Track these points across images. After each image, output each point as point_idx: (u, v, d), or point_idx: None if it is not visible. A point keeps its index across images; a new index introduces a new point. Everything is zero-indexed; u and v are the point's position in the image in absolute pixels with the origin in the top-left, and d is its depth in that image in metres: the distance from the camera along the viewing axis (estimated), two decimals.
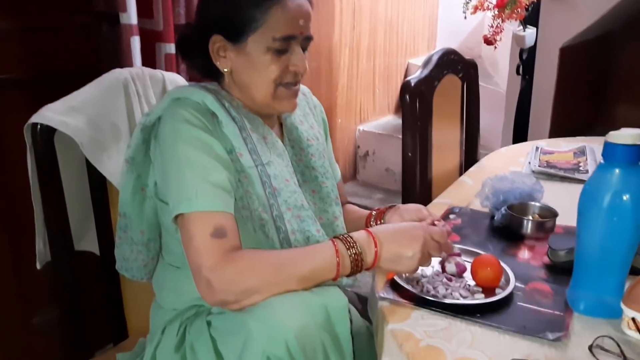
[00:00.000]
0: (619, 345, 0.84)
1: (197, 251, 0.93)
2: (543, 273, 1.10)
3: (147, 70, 1.34)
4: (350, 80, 3.07)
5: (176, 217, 0.97)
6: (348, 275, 0.98)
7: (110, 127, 1.25)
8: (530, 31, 2.12)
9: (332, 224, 1.16)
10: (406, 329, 0.92)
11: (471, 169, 1.71)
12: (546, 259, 1.14)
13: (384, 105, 3.39)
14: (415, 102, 1.45)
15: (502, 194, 1.31)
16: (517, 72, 2.32)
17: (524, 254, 1.18)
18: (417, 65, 3.48)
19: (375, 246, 0.97)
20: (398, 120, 3.40)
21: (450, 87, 1.67)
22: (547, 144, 1.96)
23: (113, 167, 1.25)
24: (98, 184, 1.28)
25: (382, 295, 1.02)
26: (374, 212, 1.23)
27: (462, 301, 0.98)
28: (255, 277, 0.91)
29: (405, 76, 3.50)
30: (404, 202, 1.56)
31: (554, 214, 1.26)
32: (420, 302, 0.99)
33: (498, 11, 2.00)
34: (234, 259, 0.92)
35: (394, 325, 0.93)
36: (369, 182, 3.21)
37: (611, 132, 0.90)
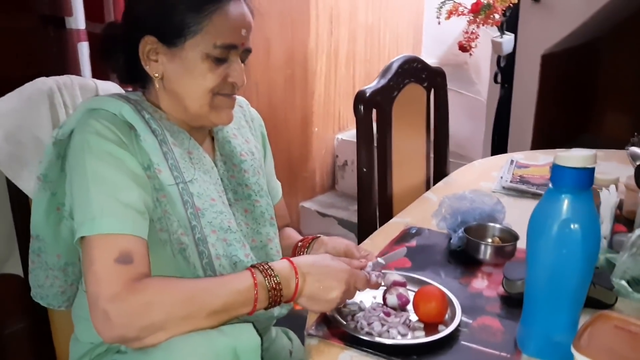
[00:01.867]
0: None
1: (95, 277, 0.82)
2: (496, 306, 1.00)
3: (77, 79, 1.24)
4: (327, 87, 2.97)
5: (81, 239, 0.87)
6: (265, 309, 0.87)
7: (32, 140, 1.15)
8: (508, 37, 2.02)
9: (265, 246, 1.06)
10: None
11: (438, 185, 1.61)
12: (501, 290, 1.04)
13: None
14: (370, 113, 1.35)
15: (460, 215, 1.21)
16: (495, 80, 2.22)
17: (479, 282, 1.08)
18: None
19: (297, 279, 0.87)
20: None
21: (413, 96, 1.57)
22: (524, 156, 1.85)
23: (34, 183, 1.15)
24: (20, 202, 1.18)
25: (311, 332, 0.91)
26: (299, 243, 1.13)
27: (397, 341, 0.88)
28: (161, 310, 0.80)
29: None
30: (360, 220, 1.45)
31: (514, 237, 1.15)
32: (352, 341, 0.88)
33: (472, 16, 1.90)
34: (138, 288, 0.81)
35: None
36: (348, 193, 3.10)
37: (559, 153, 0.80)
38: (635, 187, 1.28)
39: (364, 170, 1.35)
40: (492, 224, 1.21)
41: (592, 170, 0.78)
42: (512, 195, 1.54)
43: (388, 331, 0.90)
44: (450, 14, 1.96)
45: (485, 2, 1.86)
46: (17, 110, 1.14)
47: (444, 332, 0.89)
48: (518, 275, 1.01)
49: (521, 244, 1.14)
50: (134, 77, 1.01)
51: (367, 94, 1.35)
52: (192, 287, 0.84)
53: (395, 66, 1.49)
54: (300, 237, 1.17)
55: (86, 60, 1.67)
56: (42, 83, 1.18)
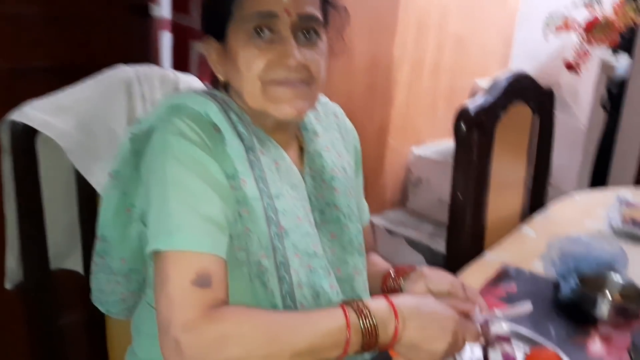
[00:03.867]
0: None
1: (169, 300, 0.72)
2: None
3: (157, 69, 1.16)
4: (408, 99, 2.81)
5: (154, 252, 0.77)
6: (356, 353, 0.74)
7: (106, 132, 1.07)
8: (623, 59, 1.81)
9: (351, 279, 0.92)
10: None
11: (535, 218, 1.44)
12: (627, 358, 0.86)
13: (444, 129, 3.10)
14: (472, 134, 1.19)
15: (573, 261, 1.04)
16: (603, 106, 2.00)
17: (597, 346, 0.91)
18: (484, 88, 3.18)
19: (396, 323, 0.73)
20: None
21: (519, 118, 1.40)
22: (632, 194, 1.64)
23: (106, 179, 1.07)
24: (87, 196, 1.10)
25: None
26: (392, 272, 0.98)
27: None
28: (240, 345, 0.70)
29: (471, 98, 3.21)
30: (449, 250, 1.30)
31: None
32: None
33: (586, 33, 1.70)
34: (216, 317, 0.71)
35: None
36: (419, 212, 2.93)
37: None
38: None
39: (459, 195, 1.20)
40: (611, 276, 1.03)
41: None
42: (624, 241, 1.34)
43: None
44: (559, 29, 1.78)
45: (602, 19, 1.67)
46: (93, 98, 1.06)
47: None
48: None
49: None
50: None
51: (472, 112, 1.20)
52: (276, 321, 0.73)
53: (503, 83, 1.32)
54: (388, 265, 1.03)
55: (167, 50, 1.60)
56: (122, 71, 1.10)
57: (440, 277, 0.91)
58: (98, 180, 1.06)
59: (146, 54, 1.56)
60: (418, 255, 2.63)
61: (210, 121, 0.83)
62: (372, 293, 0.95)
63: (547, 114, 1.50)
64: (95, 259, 0.98)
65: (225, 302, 0.74)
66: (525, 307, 0.83)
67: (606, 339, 0.92)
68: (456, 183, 1.22)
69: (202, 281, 0.72)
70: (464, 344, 0.78)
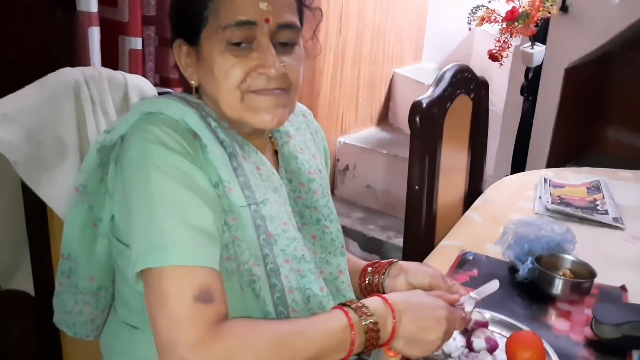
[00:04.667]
0: None
1: (171, 318, 0.69)
2: (589, 353, 0.90)
3: (105, 71, 1.09)
4: (333, 88, 2.85)
5: (144, 269, 0.73)
6: (358, 355, 0.76)
7: (54, 141, 0.99)
8: (539, 49, 1.95)
9: (335, 279, 0.93)
10: None
11: (477, 203, 1.52)
12: (589, 332, 0.94)
13: (367, 117, 3.18)
14: (426, 126, 1.24)
15: (527, 243, 1.11)
16: (522, 93, 2.14)
17: (560, 323, 0.98)
18: (403, 76, 3.28)
19: (394, 318, 0.75)
20: (381, 134, 3.19)
21: (462, 108, 1.46)
22: (554, 174, 1.77)
23: (56, 191, 0.99)
24: (36, 211, 1.02)
25: None
26: (369, 269, 1.00)
27: None
28: (249, 359, 0.68)
29: (390, 87, 3.30)
30: (406, 241, 1.35)
31: (591, 274, 1.06)
32: None
33: (507, 25, 1.81)
34: (224, 333, 0.69)
35: None
36: (348, 199, 2.99)
37: None
38: None
39: (416, 187, 1.24)
40: (563, 256, 1.11)
41: None
42: (556, 219, 1.45)
43: None
44: (482, 20, 1.87)
45: (522, 10, 1.78)
46: (39, 105, 0.98)
47: None
48: (610, 318, 0.92)
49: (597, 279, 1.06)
50: (187, 83, 0.88)
51: (425, 105, 1.24)
52: (283, 330, 0.72)
53: (448, 75, 1.38)
54: (363, 262, 1.05)
55: (96, 47, 1.50)
56: (67, 74, 1.03)
57: (419, 270, 0.94)
58: (46, 192, 0.99)
59: (72, 52, 1.44)
60: (353, 243, 2.69)
61: (188, 128, 0.80)
62: None
63: (484, 104, 1.59)
64: (60, 280, 0.92)
65: (227, 316, 0.72)
66: (493, 284, 0.88)
67: (565, 315, 1.00)
68: (412, 174, 1.26)
69: (205, 297, 0.70)
70: (453, 332, 0.81)
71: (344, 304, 0.77)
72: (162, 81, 1.73)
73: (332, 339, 0.72)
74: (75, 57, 1.48)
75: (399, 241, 2.66)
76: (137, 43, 1.57)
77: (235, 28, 0.78)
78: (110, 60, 1.56)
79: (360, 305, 0.76)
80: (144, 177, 0.74)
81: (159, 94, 1.15)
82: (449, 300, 0.84)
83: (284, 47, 0.82)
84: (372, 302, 0.77)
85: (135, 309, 0.86)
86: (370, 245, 2.66)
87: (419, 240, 1.30)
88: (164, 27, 1.66)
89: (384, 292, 0.96)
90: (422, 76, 3.19)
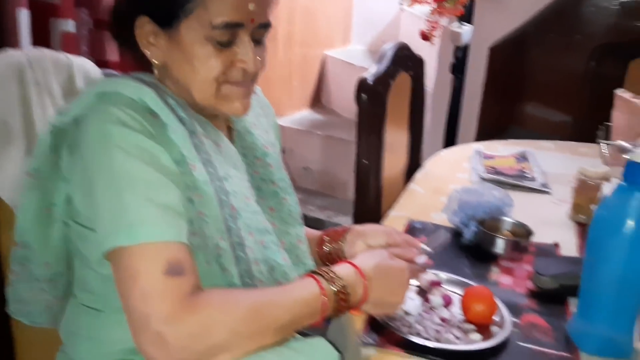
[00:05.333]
0: None
1: (143, 295, 0.69)
2: (532, 303, 0.98)
3: (49, 52, 1.05)
4: (266, 71, 2.84)
5: (112, 249, 0.73)
6: (328, 320, 0.79)
7: None
8: (467, 28, 2.04)
9: (295, 248, 0.96)
10: None
11: (418, 176, 1.59)
12: (530, 285, 1.03)
13: (300, 99, 3.21)
14: (372, 102, 1.28)
15: (470, 208, 1.19)
16: (452, 71, 2.24)
17: (504, 278, 1.06)
18: (333, 58, 3.33)
19: (365, 285, 0.80)
20: (315, 116, 3.23)
21: (402, 85, 1.52)
22: (485, 147, 1.88)
23: (1, 177, 0.96)
24: None
25: (365, 340, 0.84)
26: (326, 237, 1.04)
27: (462, 346, 0.83)
28: (225, 329, 0.70)
29: (322, 69, 3.34)
30: (357, 214, 1.39)
31: (528, 232, 1.15)
32: (414, 348, 0.82)
33: (438, 5, 1.89)
34: (197, 305, 0.70)
35: None
36: None
37: (636, 150, 0.79)
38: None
39: (365, 162, 1.29)
40: (503, 218, 1.20)
41: None
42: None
43: (444, 335, 0.86)
44: (414, 1, 1.94)
45: None
46: None
47: (502, 333, 0.86)
48: (547, 270, 1.01)
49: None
50: (144, 62, 0.86)
51: (370, 82, 1.28)
52: (258, 299, 0.74)
53: (390, 53, 1.43)
54: (318, 231, 1.08)
55: (26, 30, 1.44)
56: (10, 56, 0.99)
57: (375, 232, 0.99)
58: None
59: (3, 35, 1.37)
60: None
61: (147, 107, 0.79)
62: None
63: (421, 81, 1.66)
64: (14, 268, 0.89)
65: (199, 288, 0.74)
66: (440, 233, 0.95)
67: (508, 271, 1.09)
68: (360, 150, 1.30)
69: (175, 270, 0.71)
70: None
71: (314, 272, 0.80)
72: (99, 64, 1.67)
73: (304, 306, 0.75)
74: (3, 39, 1.41)
75: (338, 220, 2.73)
76: (69, 26, 1.52)
77: (225, 29, 0.79)
78: (42, 43, 1.49)
79: (330, 272, 0.79)
80: (106, 158, 0.74)
81: (104, 75, 1.13)
82: (407, 258, 0.89)
83: (257, 43, 0.84)
84: (342, 269, 0.81)
85: (98, 292, 0.85)
86: (311, 225, 2.67)
87: (369, 213, 1.35)
88: (98, 9, 1.60)
89: (342, 258, 1.00)
90: (352, 58, 3.25)
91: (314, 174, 2.96)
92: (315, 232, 1.08)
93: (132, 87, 0.80)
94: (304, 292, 0.76)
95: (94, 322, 0.87)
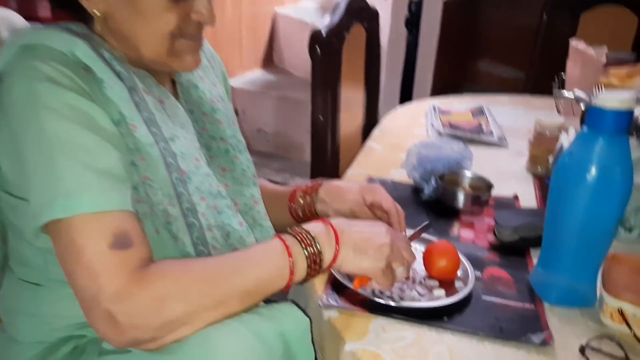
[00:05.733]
0: (621, 346, 0.72)
1: (89, 271, 0.64)
2: (494, 256, 0.97)
3: None
4: (214, 30, 2.73)
5: (48, 222, 0.66)
6: (301, 283, 0.75)
7: None
8: None
9: (250, 210, 0.91)
10: (370, 348, 0.72)
11: (375, 133, 1.55)
12: (491, 238, 1.02)
13: (251, 59, 3.10)
14: (326, 56, 1.22)
15: (429, 163, 1.16)
16: (406, 25, 2.19)
17: (465, 232, 1.05)
18: (284, 16, 3.22)
19: (337, 244, 0.75)
20: (267, 76, 3.14)
21: (358, 39, 1.46)
22: (441, 103, 1.86)
23: None
24: None
25: (325, 302, 0.80)
26: (299, 192, 0.99)
27: (426, 304, 0.81)
28: (182, 302, 0.65)
29: (273, 27, 3.23)
30: (314, 174, 1.35)
31: (488, 186, 1.13)
32: (377, 308, 0.79)
33: None
34: (149, 278, 0.65)
35: (353, 344, 0.73)
36: None
37: (600, 96, 0.76)
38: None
39: (321, 119, 1.24)
40: (462, 172, 1.17)
41: (632, 112, 0.76)
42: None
43: (407, 292, 0.83)
44: None
45: None
46: None
47: (466, 288, 0.84)
48: (510, 224, 1.00)
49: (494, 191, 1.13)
50: (78, 12, 0.77)
51: (324, 34, 1.22)
52: (215, 267, 0.69)
53: (343, 4, 1.36)
54: (283, 187, 1.04)
55: None
56: None
57: (351, 187, 0.95)
58: None
59: None
60: None
61: (78, 61, 0.72)
62: (274, 217, 0.95)
63: (376, 35, 1.60)
64: None
65: (150, 259, 0.68)
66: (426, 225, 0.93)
67: (469, 225, 1.07)
68: (316, 105, 1.25)
69: (122, 242, 0.65)
70: (392, 276, 0.78)
71: (286, 232, 0.75)
72: (27, 16, 1.54)
73: (270, 269, 0.70)
74: None
75: (294, 182, 2.68)
76: None
77: None
78: None
79: (300, 231, 0.74)
80: (35, 121, 0.66)
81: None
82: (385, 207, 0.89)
83: None
84: (314, 227, 0.76)
85: (35, 266, 0.79)
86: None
87: (326, 173, 1.31)
88: None
89: (317, 215, 0.97)
90: (303, 15, 3.16)
91: (268, 136, 2.89)
92: (283, 189, 1.04)
93: (61, 39, 0.72)
94: (269, 255, 0.71)
95: (34, 297, 0.81)
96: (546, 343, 0.74)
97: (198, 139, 0.87)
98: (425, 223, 0.94)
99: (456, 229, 1.06)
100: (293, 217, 1.00)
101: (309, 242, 0.72)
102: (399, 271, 0.78)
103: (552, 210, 0.83)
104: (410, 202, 1.14)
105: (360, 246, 0.75)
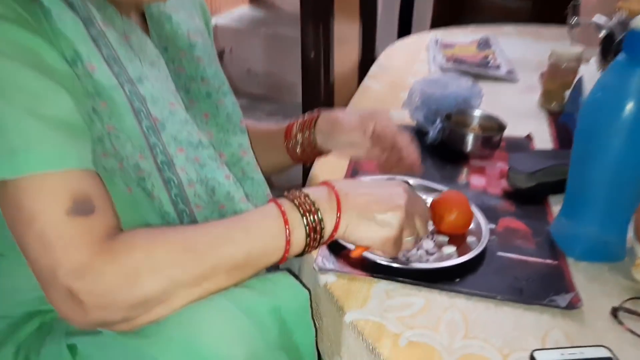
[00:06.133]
0: None
1: (45, 243, 0.54)
2: (508, 204, 0.87)
3: None
4: None
5: None
6: (299, 255, 0.64)
7: None
8: None
9: (239, 161, 0.80)
10: (373, 318, 0.63)
11: (372, 70, 1.42)
12: (505, 185, 0.91)
13: None
14: None
15: (434, 102, 1.04)
16: None
17: (475, 179, 0.94)
18: None
19: (339, 210, 0.64)
20: (255, 13, 2.95)
21: None
22: (443, 35, 1.71)
23: None
24: None
25: (321, 265, 0.71)
26: (295, 127, 0.88)
27: (435, 265, 0.71)
28: (157, 276, 0.55)
29: None
30: (305, 109, 1.23)
31: (500, 126, 1.02)
32: (380, 271, 0.70)
33: None
34: (118, 249, 0.55)
35: (353, 313, 0.64)
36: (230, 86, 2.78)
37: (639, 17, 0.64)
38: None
39: (312, 56, 1.11)
40: (471, 111, 1.06)
41: None
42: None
43: (413, 252, 0.74)
44: None
45: None
46: None
47: (481, 244, 0.74)
48: (526, 167, 0.89)
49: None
50: None
51: None
52: (198, 236, 0.59)
53: None
54: (276, 124, 0.93)
55: None
56: None
57: (349, 121, 0.84)
58: None
59: None
60: None
61: None
62: (270, 160, 0.85)
63: None
64: None
65: (118, 228, 0.58)
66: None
67: (480, 171, 0.96)
68: (306, 40, 1.11)
69: (82, 207, 0.55)
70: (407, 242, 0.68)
71: (284, 196, 0.64)
72: None
73: (261, 238, 0.60)
74: None
75: None
76: None
77: None
78: None
79: (299, 194, 0.63)
80: None
81: None
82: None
83: None
84: (316, 191, 0.64)
85: None
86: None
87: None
88: None
89: (317, 149, 0.87)
90: None
91: (258, 77, 2.74)
92: (280, 126, 0.92)
93: None
94: (261, 223, 0.61)
95: None
96: (573, 306, 0.65)
97: (174, 80, 0.75)
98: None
99: (465, 176, 0.95)
100: (291, 156, 0.90)
101: (308, 207, 0.61)
102: (407, 241, 0.67)
103: (580, 152, 0.73)
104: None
105: (367, 212, 0.64)
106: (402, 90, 1.17)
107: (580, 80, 1.09)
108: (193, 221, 0.69)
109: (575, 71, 1.16)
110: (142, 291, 0.54)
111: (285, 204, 0.62)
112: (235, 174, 0.78)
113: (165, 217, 0.67)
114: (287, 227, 0.60)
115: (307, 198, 0.62)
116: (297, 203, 0.62)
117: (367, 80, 1.36)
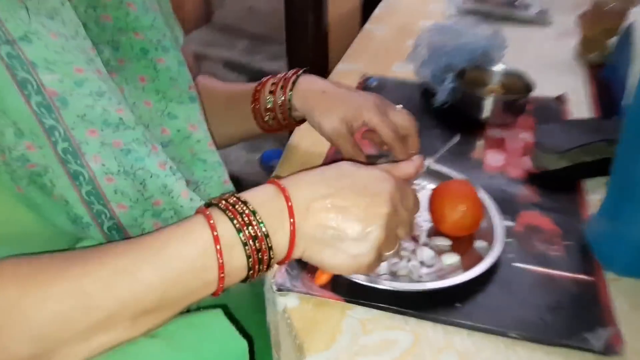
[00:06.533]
0: None
1: None
2: (532, 192, 0.69)
3: None
4: None
5: None
6: (244, 281, 0.47)
7: None
8: None
9: (187, 139, 0.62)
10: None
11: (377, 12, 1.22)
12: (527, 164, 0.73)
13: None
14: None
15: (444, 55, 0.84)
16: None
17: (492, 156, 0.76)
18: None
19: (291, 217, 0.47)
20: None
21: None
22: None
23: None
24: None
25: (280, 282, 0.55)
26: (268, 85, 0.71)
27: (430, 284, 0.54)
28: (29, 331, 0.40)
29: None
30: (291, 63, 1.04)
31: (527, 86, 0.82)
32: (355, 292, 0.53)
33: None
34: None
35: (315, 357, 0.48)
36: (229, 26, 2.55)
37: None
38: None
39: None
40: (491, 68, 0.86)
41: None
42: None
43: (402, 264, 0.57)
44: None
45: None
46: None
47: (494, 252, 0.57)
48: (558, 144, 0.70)
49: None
50: None
51: None
52: (88, 271, 0.42)
53: None
54: (244, 84, 0.75)
55: None
56: None
57: (327, 106, 0.66)
58: None
59: None
60: (239, 76, 2.34)
61: None
62: (233, 130, 0.70)
63: None
64: None
65: None
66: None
67: (498, 144, 0.78)
68: None
69: None
70: (396, 241, 0.51)
71: (210, 204, 0.47)
72: None
73: (181, 270, 0.43)
74: None
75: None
76: None
77: None
78: None
79: (230, 198, 0.47)
80: None
81: None
82: (403, 173, 0.55)
83: None
84: (260, 192, 0.48)
85: None
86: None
87: (308, 61, 1.00)
88: None
89: (292, 117, 0.70)
90: None
91: (261, 15, 2.51)
92: (248, 84, 0.75)
93: None
94: (181, 248, 0.44)
95: None
96: (612, 350, 0.48)
97: (96, 34, 0.56)
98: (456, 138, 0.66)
99: (479, 151, 0.77)
100: (259, 124, 0.73)
101: (246, 219, 0.45)
102: (386, 255, 0.50)
103: (631, 134, 0.54)
104: (418, 110, 0.84)
105: (332, 232, 0.47)
106: (410, 38, 0.96)
107: (630, 26, 0.87)
108: (116, 224, 0.53)
109: (623, 13, 0.94)
110: (6, 352, 0.39)
111: (216, 215, 0.45)
112: (182, 155, 0.61)
113: (77, 222, 0.51)
114: (217, 247, 0.43)
115: (244, 206, 0.45)
116: (230, 215, 0.45)
117: (369, 23, 1.15)
